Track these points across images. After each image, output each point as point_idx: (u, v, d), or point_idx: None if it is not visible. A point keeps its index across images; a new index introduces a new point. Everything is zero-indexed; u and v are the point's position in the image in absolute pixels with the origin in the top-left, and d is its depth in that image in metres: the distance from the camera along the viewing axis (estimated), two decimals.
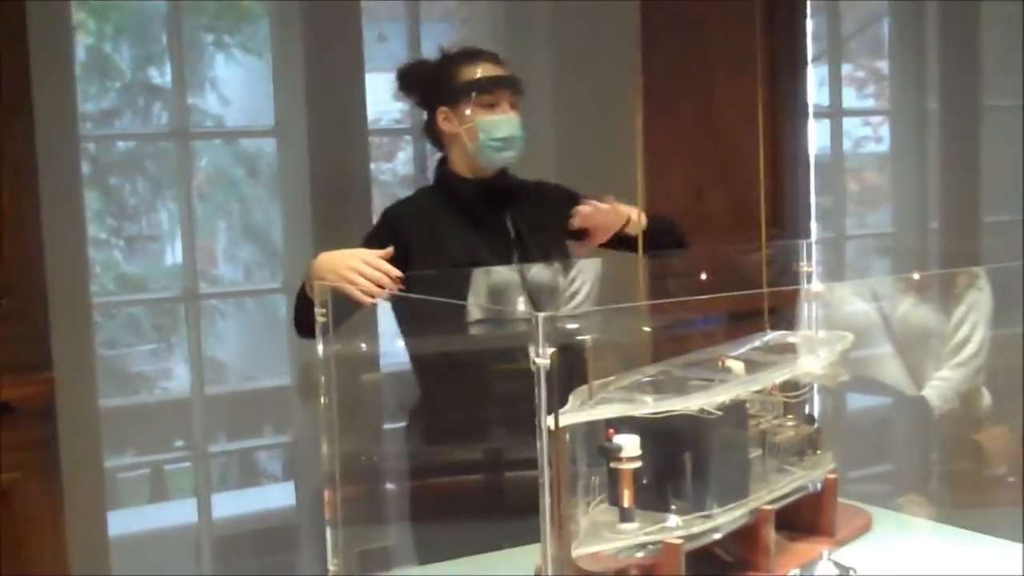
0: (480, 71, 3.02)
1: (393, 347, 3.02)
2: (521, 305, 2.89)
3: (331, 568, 2.54)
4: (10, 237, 3.19)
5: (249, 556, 4.34)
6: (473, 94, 2.99)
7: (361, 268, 2.64)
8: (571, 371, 2.00)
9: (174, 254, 7.99)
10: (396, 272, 2.65)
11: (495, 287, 2.90)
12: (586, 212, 2.96)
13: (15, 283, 3.19)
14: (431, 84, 3.08)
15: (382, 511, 3.01)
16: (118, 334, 7.10)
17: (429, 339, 2.82)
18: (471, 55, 3.07)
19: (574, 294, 2.96)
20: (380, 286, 2.62)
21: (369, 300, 2.64)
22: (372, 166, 4.07)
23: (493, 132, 2.98)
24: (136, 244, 8.09)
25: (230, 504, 4.56)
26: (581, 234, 3.03)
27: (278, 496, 4.41)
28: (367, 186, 3.86)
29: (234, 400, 5.25)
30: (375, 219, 3.17)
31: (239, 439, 5.21)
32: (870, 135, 7.26)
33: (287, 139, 3.87)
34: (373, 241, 2.97)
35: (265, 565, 4.29)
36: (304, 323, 2.70)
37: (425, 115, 3.11)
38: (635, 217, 2.93)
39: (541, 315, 1.90)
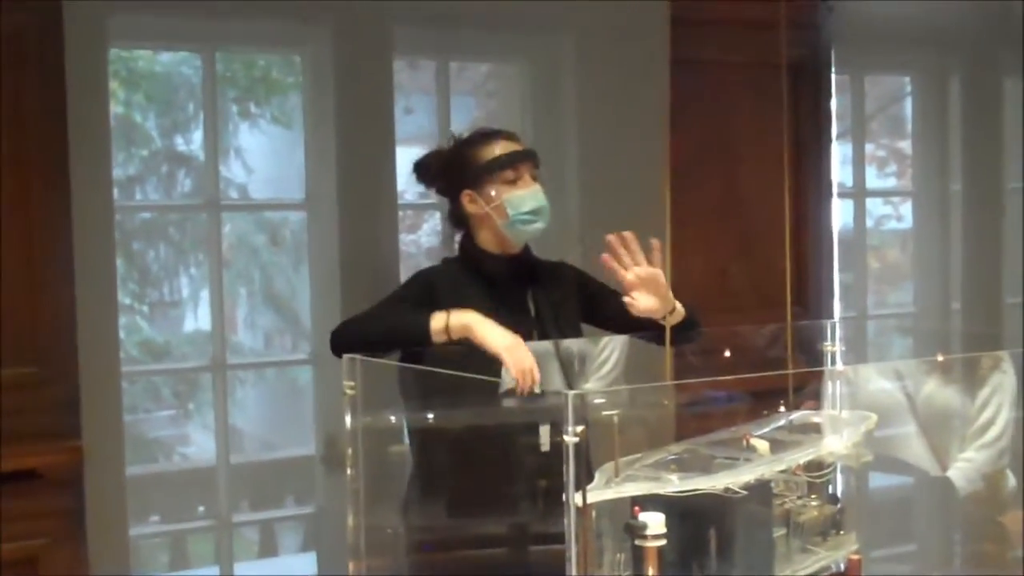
0: (499, 149, 3.05)
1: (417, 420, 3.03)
2: (556, 377, 2.90)
3: None
4: (43, 304, 3.22)
5: None
6: (496, 172, 3.02)
7: (529, 366, 2.68)
8: (598, 444, 2.02)
9: (196, 320, 8.03)
10: (538, 380, 2.69)
11: None
12: (635, 281, 2.86)
13: (47, 351, 3.22)
14: (451, 171, 3.12)
15: None
16: (138, 400, 7.13)
17: (453, 410, 2.83)
18: (486, 135, 3.11)
19: (603, 363, 2.97)
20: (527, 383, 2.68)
21: (516, 388, 2.67)
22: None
23: (521, 206, 3.01)
24: (158, 310, 8.14)
25: (252, 573, 4.55)
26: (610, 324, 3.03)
27: (300, 567, 4.40)
28: (395, 258, 3.89)
29: (257, 469, 5.25)
30: None
31: (262, 509, 5.20)
32: (891, 213, 7.28)
33: (317, 211, 3.91)
34: (406, 299, 3.02)
35: None
36: (373, 346, 2.72)
37: (448, 202, 3.15)
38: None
39: (571, 393, 1.92)
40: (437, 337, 2.80)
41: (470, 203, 3.06)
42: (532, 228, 3.04)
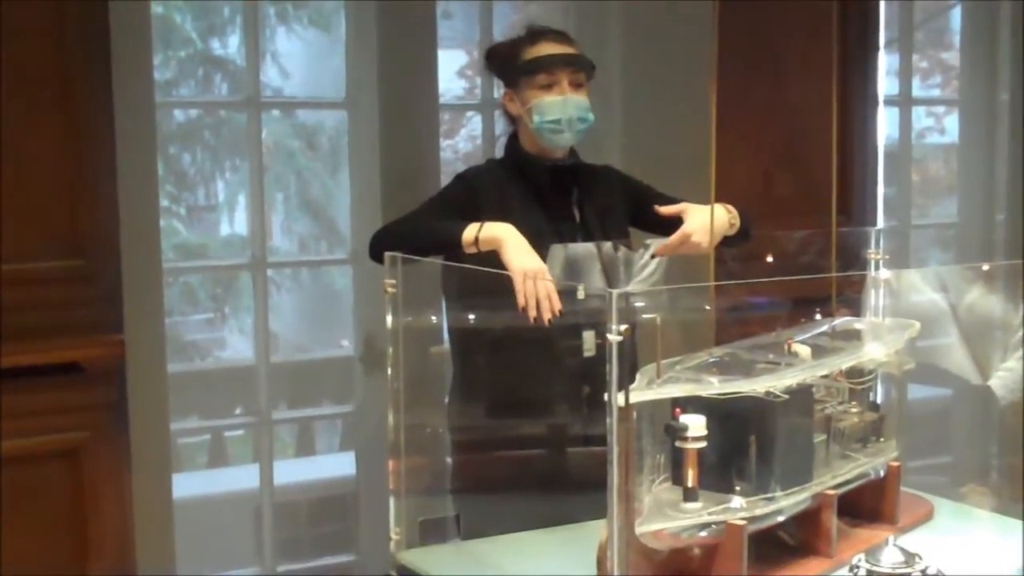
0: (540, 50, 2.98)
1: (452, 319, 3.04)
2: (598, 279, 2.89)
3: (393, 537, 2.57)
4: (87, 201, 3.23)
5: (308, 523, 4.39)
6: (530, 75, 2.97)
7: (544, 295, 2.61)
8: (634, 348, 2.01)
9: (232, 224, 8.07)
10: (559, 307, 2.64)
11: (572, 261, 2.89)
12: (674, 243, 2.85)
13: (90, 246, 3.23)
14: (501, 65, 3.08)
15: (445, 483, 3.04)
16: (175, 303, 7.18)
17: (499, 311, 2.82)
18: (533, 34, 3.04)
19: (643, 267, 2.94)
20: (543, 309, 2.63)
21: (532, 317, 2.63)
22: None
23: (548, 114, 2.95)
24: (195, 213, 8.17)
25: (290, 472, 4.61)
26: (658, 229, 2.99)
27: (338, 465, 4.44)
28: (436, 161, 3.88)
29: (295, 369, 5.30)
30: None
31: (300, 408, 5.25)
32: (934, 126, 7.21)
33: (357, 112, 3.89)
34: (447, 201, 2.99)
35: (324, 532, 4.33)
36: (408, 253, 2.64)
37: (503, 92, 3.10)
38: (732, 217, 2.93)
39: (615, 292, 1.91)
40: (467, 248, 2.75)
41: (510, 102, 3.03)
42: (559, 138, 2.98)
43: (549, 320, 2.59)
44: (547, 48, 2.99)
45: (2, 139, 3.11)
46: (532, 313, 2.60)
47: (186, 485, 4.16)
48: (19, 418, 3.14)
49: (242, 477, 4.48)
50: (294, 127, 7.92)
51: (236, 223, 8.05)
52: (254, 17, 3.88)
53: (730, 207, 2.94)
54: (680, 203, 2.91)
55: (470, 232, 2.76)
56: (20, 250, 3.15)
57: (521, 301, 2.61)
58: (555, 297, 2.60)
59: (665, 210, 2.90)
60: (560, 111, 2.95)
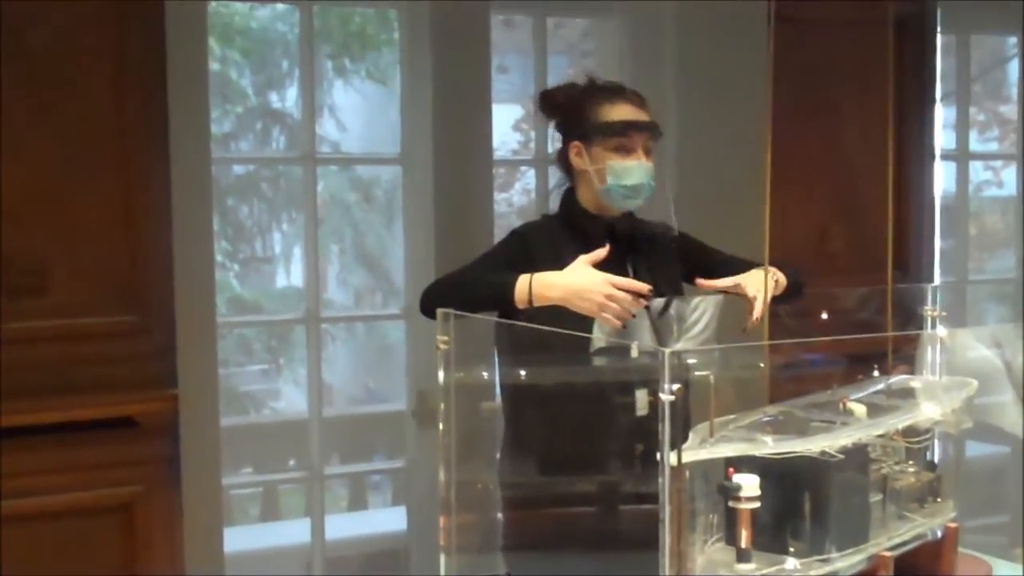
0: (621, 113, 2.95)
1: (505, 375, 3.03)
2: (647, 337, 2.87)
3: None
4: (142, 256, 3.26)
5: None
6: (609, 137, 2.93)
7: (615, 294, 2.65)
8: (687, 406, 1.99)
9: (288, 277, 8.11)
10: (646, 286, 2.67)
11: None
12: (723, 285, 2.86)
13: (145, 301, 3.27)
14: (570, 113, 3.03)
15: (495, 540, 3.02)
16: (229, 355, 7.22)
17: (545, 367, 2.81)
18: (614, 92, 3.00)
19: (695, 323, 2.92)
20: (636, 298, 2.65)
21: (620, 324, 2.66)
22: None
23: (624, 179, 2.93)
24: (250, 266, 8.23)
25: (342, 526, 4.60)
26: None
27: (389, 520, 4.43)
28: (490, 215, 3.89)
29: (348, 423, 5.30)
30: None
31: (352, 462, 5.25)
32: (991, 179, 7.16)
33: (412, 167, 3.91)
34: (501, 256, 2.98)
35: None
36: (460, 308, 2.60)
37: (560, 141, 3.07)
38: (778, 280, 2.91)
39: (667, 351, 1.90)
40: (520, 303, 2.74)
41: (576, 155, 2.99)
42: (629, 203, 2.96)
43: (647, 302, 2.67)
44: (628, 112, 2.96)
45: (60, 194, 3.15)
46: (627, 318, 2.66)
47: (238, 539, 4.17)
48: (74, 472, 3.17)
49: (294, 531, 4.48)
50: (350, 180, 7.97)
51: (291, 276, 8.11)
52: (311, 71, 3.92)
53: (778, 274, 2.91)
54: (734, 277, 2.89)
55: (522, 289, 2.76)
56: (76, 304, 3.19)
57: (614, 322, 2.66)
58: (633, 286, 2.68)
59: (720, 283, 2.89)
60: (638, 177, 2.94)
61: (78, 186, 3.20)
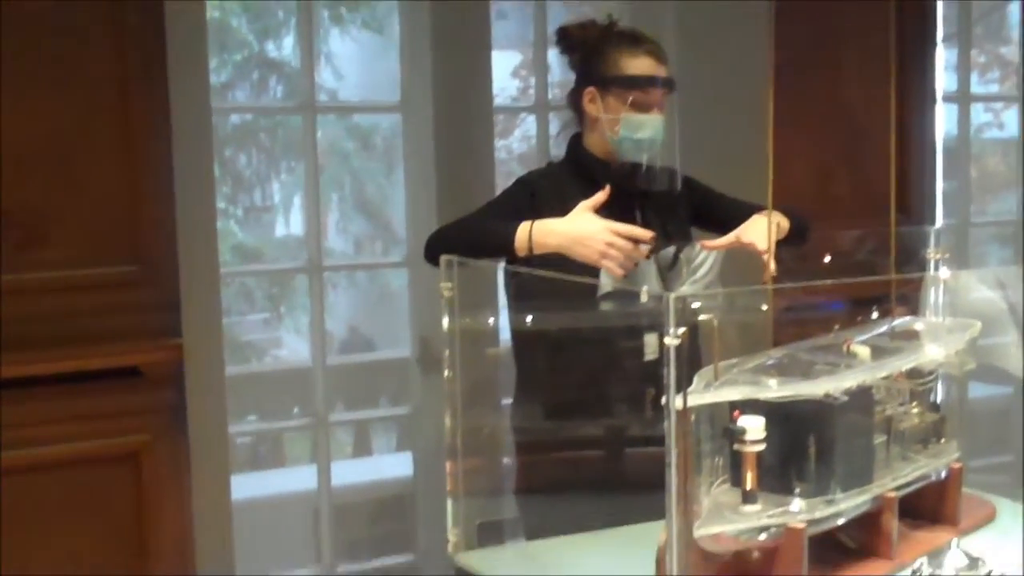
0: (641, 66, 2.94)
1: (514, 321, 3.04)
2: (654, 282, 2.87)
3: (451, 539, 2.57)
4: (144, 206, 3.26)
5: (367, 524, 4.40)
6: (627, 89, 2.92)
7: (616, 242, 2.65)
8: (696, 350, 2.00)
9: (288, 225, 8.11)
10: (649, 233, 2.67)
11: None
12: (724, 243, 2.85)
13: (148, 251, 3.26)
14: (588, 56, 3.00)
15: (502, 485, 3.04)
16: (231, 303, 7.23)
17: (554, 313, 2.81)
18: (635, 42, 2.98)
19: (697, 268, 2.92)
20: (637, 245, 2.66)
21: (623, 273, 2.66)
22: None
23: (637, 132, 2.93)
24: (251, 215, 8.23)
25: (348, 472, 4.63)
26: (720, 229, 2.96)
27: (396, 466, 4.46)
28: (491, 162, 3.88)
29: (351, 371, 5.31)
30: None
31: (357, 409, 5.27)
32: (992, 121, 7.14)
33: (412, 114, 3.90)
34: (507, 204, 2.97)
35: (382, 533, 4.34)
36: (465, 252, 2.64)
37: (575, 83, 3.04)
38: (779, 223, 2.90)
39: (672, 295, 1.90)
40: (521, 251, 2.74)
41: (590, 102, 2.98)
42: (639, 154, 2.95)
43: (649, 251, 2.68)
44: (648, 66, 2.95)
45: (60, 145, 3.15)
46: (629, 266, 2.66)
47: (244, 486, 4.18)
48: (80, 422, 3.18)
49: (300, 478, 4.51)
50: (349, 128, 7.94)
51: (292, 224, 8.10)
52: (308, 20, 3.90)
53: (778, 216, 2.90)
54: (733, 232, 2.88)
55: (522, 237, 2.75)
56: (78, 256, 3.19)
57: (617, 271, 2.65)
58: (635, 233, 2.69)
59: (721, 242, 2.87)
60: (650, 131, 2.93)
61: (78, 137, 3.19)
